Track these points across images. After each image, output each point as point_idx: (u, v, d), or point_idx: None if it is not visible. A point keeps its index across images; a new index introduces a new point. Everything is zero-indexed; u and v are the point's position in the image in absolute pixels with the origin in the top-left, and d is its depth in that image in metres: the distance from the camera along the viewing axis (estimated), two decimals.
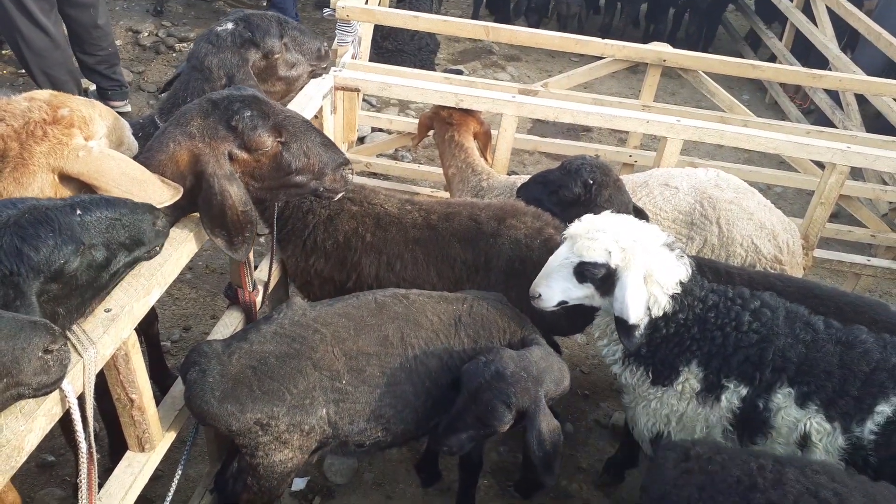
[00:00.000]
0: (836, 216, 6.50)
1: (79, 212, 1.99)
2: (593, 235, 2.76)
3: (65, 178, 2.24)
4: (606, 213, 2.92)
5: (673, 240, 2.91)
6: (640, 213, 3.58)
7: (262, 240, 5.34)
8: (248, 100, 2.50)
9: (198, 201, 2.46)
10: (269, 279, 3.35)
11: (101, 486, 2.43)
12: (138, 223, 2.15)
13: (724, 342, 2.76)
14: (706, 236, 3.78)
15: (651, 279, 2.75)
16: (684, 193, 3.80)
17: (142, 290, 2.27)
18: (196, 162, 2.43)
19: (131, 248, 2.15)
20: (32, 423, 1.86)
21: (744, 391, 2.72)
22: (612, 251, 2.74)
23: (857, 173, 6.64)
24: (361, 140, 6.65)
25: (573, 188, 3.40)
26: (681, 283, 2.80)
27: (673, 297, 2.78)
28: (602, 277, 2.80)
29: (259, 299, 3.28)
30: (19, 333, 1.68)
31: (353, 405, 2.79)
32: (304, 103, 3.56)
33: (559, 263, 2.87)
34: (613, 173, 3.44)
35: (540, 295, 2.91)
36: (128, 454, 2.59)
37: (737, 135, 4.04)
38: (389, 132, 6.54)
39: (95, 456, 2.14)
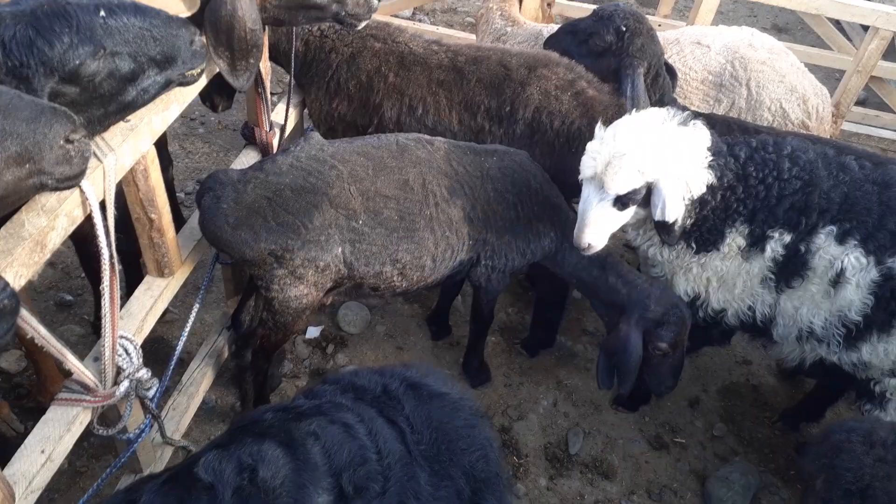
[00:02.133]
0: (863, 103, 6.31)
1: (103, 13, 1.85)
2: (618, 165, 2.60)
3: None
4: (605, 133, 2.72)
5: (681, 112, 2.75)
6: (669, 70, 3.44)
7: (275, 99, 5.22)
8: None
9: (204, 14, 2.29)
10: (285, 121, 3.26)
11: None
12: (172, 38, 2.00)
13: (768, 194, 2.72)
14: (734, 99, 3.66)
15: (684, 167, 2.64)
16: (716, 53, 3.65)
17: (160, 103, 2.19)
18: None
19: (163, 65, 2.01)
20: (55, 220, 1.82)
21: (787, 238, 2.71)
22: (643, 170, 2.60)
23: (892, 57, 6.39)
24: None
25: (605, 36, 3.24)
26: (708, 149, 2.69)
27: (710, 166, 2.68)
28: (643, 197, 2.70)
29: (276, 141, 3.20)
30: (40, 117, 1.61)
31: (369, 247, 2.75)
32: None
33: (597, 208, 2.71)
34: (647, 21, 3.27)
35: (589, 244, 2.77)
36: (147, 278, 2.58)
37: None
38: None
39: (117, 267, 2.13)
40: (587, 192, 2.73)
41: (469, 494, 1.89)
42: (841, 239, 2.64)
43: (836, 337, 2.75)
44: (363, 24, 2.62)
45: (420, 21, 6.40)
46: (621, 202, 2.68)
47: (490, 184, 2.95)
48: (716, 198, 2.74)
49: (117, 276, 2.11)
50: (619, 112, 3.14)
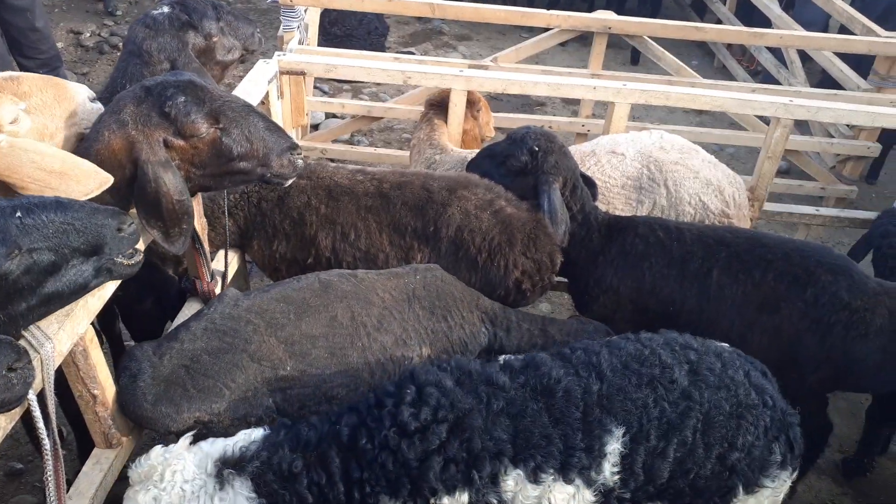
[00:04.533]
0: (787, 173, 6.67)
1: (19, 214, 1.89)
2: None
3: None
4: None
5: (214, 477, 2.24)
6: (588, 182, 3.64)
7: None
8: (182, 85, 2.43)
9: (133, 190, 2.38)
10: (225, 269, 3.34)
11: (70, 485, 2.43)
12: (96, 228, 2.04)
13: (398, 459, 2.19)
14: (655, 199, 3.86)
15: None
16: (631, 159, 3.87)
17: None
18: (131, 150, 2.36)
19: (89, 253, 2.04)
20: None
21: (465, 497, 2.21)
22: None
23: (804, 128, 6.81)
24: (315, 127, 6.62)
25: (520, 157, 3.42)
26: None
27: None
28: None
29: (218, 290, 3.27)
30: None
31: (301, 390, 2.74)
32: (250, 89, 3.54)
33: None
34: (558, 140, 3.48)
35: None
36: (95, 451, 2.56)
37: (682, 95, 4.12)
38: (343, 117, 6.52)
39: (61, 453, 2.12)
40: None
41: None
42: (534, 478, 2.23)
43: None
44: (289, 182, 2.73)
45: (359, 143, 6.64)
46: None
47: (417, 303, 3.03)
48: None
49: (61, 462, 2.10)
50: (537, 226, 3.32)
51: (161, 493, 2.19)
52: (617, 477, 2.28)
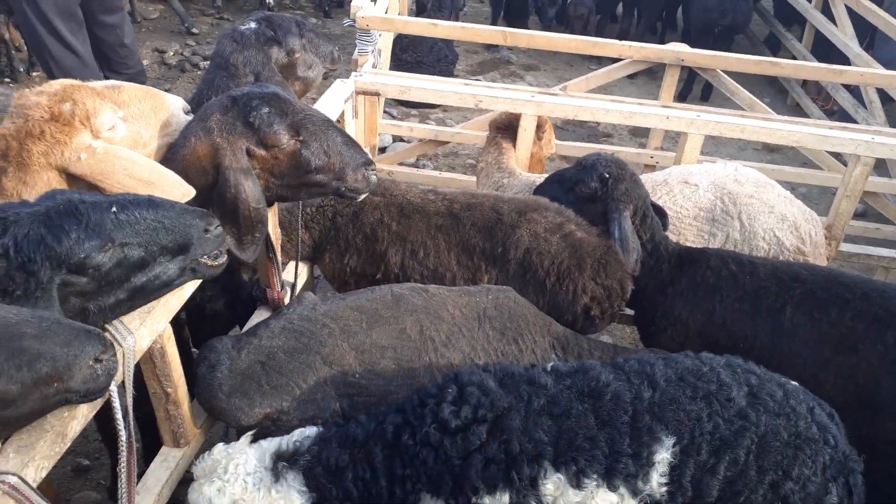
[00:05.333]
0: (863, 215, 6.45)
1: (114, 209, 2.00)
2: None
3: (72, 177, 2.24)
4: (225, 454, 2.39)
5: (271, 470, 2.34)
6: (659, 212, 3.59)
7: None
8: (267, 97, 2.52)
9: (213, 194, 2.47)
10: (295, 280, 3.41)
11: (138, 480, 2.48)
12: (184, 228, 2.13)
13: (439, 456, 2.21)
14: (728, 231, 3.78)
15: None
16: (704, 190, 3.81)
17: None
18: (215, 156, 2.46)
19: (175, 252, 2.14)
20: (75, 409, 1.91)
21: (506, 498, 2.18)
22: None
23: (882, 170, 6.59)
24: (383, 150, 6.73)
25: (589, 183, 3.41)
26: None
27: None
28: None
29: (287, 299, 3.33)
30: (73, 341, 1.73)
31: (368, 398, 2.77)
32: (327, 107, 3.64)
33: None
34: (629, 168, 3.46)
35: None
36: (163, 449, 2.63)
37: (758, 128, 4.04)
38: (410, 141, 6.62)
39: (135, 447, 2.18)
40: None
41: None
42: (577, 482, 2.16)
43: None
44: (362, 197, 2.79)
45: (424, 167, 6.73)
46: None
47: (488, 323, 3.02)
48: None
49: (135, 455, 2.16)
50: (608, 252, 3.29)
51: (225, 485, 2.29)
52: (664, 489, 2.17)
